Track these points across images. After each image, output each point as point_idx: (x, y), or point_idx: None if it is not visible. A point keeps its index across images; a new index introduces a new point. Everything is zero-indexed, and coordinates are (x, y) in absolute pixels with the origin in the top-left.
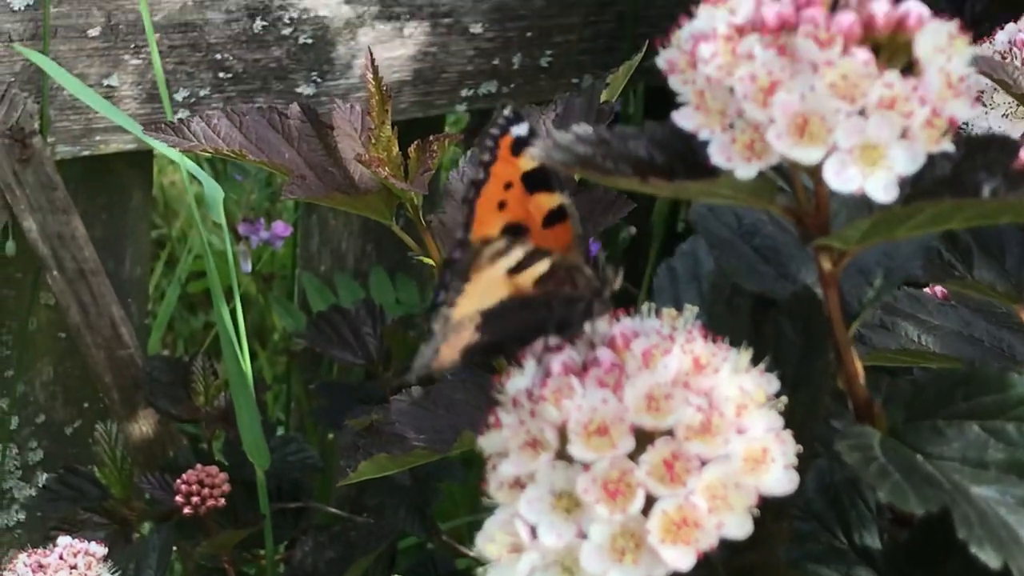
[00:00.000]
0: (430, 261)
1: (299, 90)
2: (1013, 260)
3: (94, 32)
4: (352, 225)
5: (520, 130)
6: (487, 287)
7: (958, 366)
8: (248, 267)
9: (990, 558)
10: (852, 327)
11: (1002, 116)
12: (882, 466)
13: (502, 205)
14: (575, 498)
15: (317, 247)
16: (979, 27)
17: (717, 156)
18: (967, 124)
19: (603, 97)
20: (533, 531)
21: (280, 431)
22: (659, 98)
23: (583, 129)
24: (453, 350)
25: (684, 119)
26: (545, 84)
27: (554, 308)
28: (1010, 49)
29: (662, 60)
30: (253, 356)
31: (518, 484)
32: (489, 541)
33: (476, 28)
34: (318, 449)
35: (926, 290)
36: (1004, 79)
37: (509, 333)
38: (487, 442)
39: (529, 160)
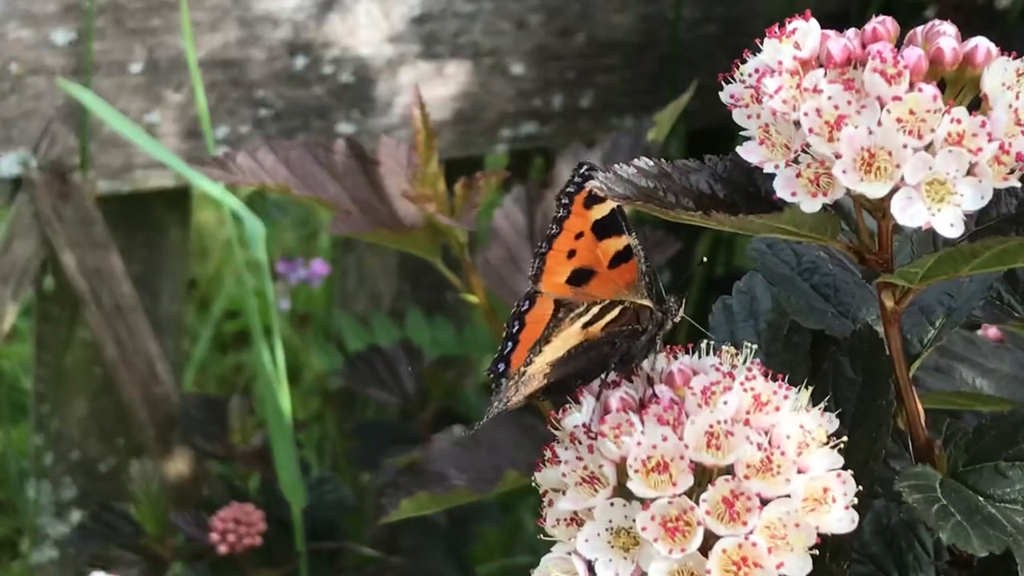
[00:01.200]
0: (474, 299)
1: (339, 128)
2: None
3: (136, 68)
4: (389, 265)
5: (595, 184)
6: (562, 342)
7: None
8: (287, 305)
9: None
10: (913, 367)
11: None
12: (943, 507)
13: (571, 254)
14: (633, 535)
15: (354, 287)
16: None
17: (782, 190)
18: None
19: (650, 136)
20: (590, 568)
21: (313, 471)
22: (700, 141)
23: (644, 162)
24: (522, 396)
25: (748, 153)
26: (585, 125)
27: (617, 344)
28: None
29: (725, 95)
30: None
31: (575, 520)
32: None
33: (517, 68)
34: (351, 489)
35: (979, 332)
36: None
37: (573, 373)
38: (543, 478)
39: (600, 210)
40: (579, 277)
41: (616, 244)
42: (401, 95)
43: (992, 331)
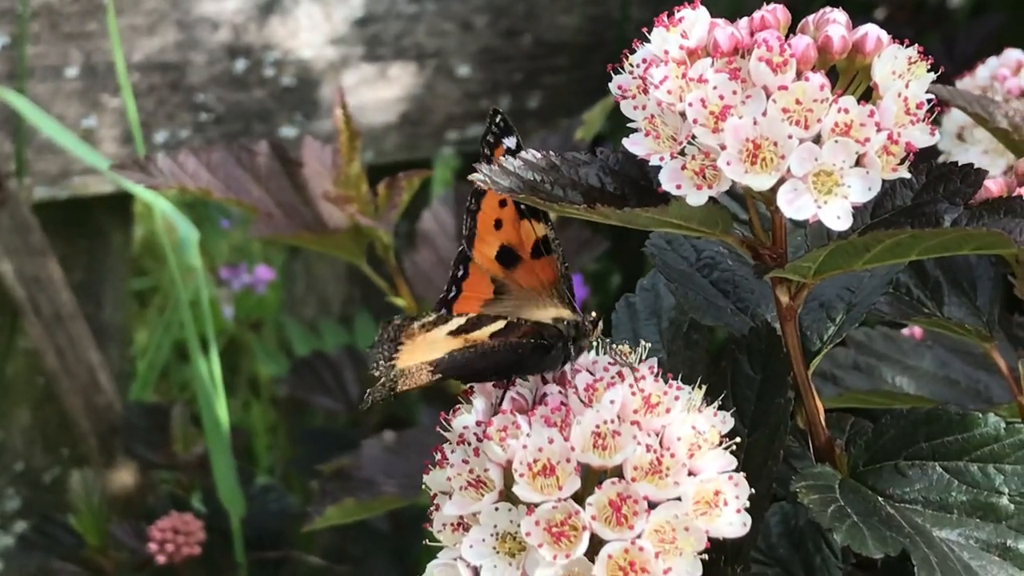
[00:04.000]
0: (401, 302)
1: (282, 132)
2: (984, 297)
3: (72, 72)
4: (338, 270)
5: (511, 142)
6: (428, 345)
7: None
8: (230, 312)
9: None
10: (813, 363)
11: (982, 152)
12: (840, 508)
13: (498, 224)
14: (519, 541)
15: (303, 292)
16: (972, 67)
17: (667, 183)
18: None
19: (578, 135)
20: (476, 574)
21: (259, 480)
22: None
23: (532, 155)
24: (413, 384)
25: (635, 145)
26: (534, 126)
27: (523, 354)
28: (991, 84)
29: (613, 86)
30: (246, 404)
31: (462, 525)
32: None
33: (463, 70)
34: (301, 497)
35: (904, 331)
36: (980, 113)
37: (485, 369)
38: (431, 480)
39: None
40: (507, 257)
41: (535, 230)
42: (345, 97)
43: (916, 329)
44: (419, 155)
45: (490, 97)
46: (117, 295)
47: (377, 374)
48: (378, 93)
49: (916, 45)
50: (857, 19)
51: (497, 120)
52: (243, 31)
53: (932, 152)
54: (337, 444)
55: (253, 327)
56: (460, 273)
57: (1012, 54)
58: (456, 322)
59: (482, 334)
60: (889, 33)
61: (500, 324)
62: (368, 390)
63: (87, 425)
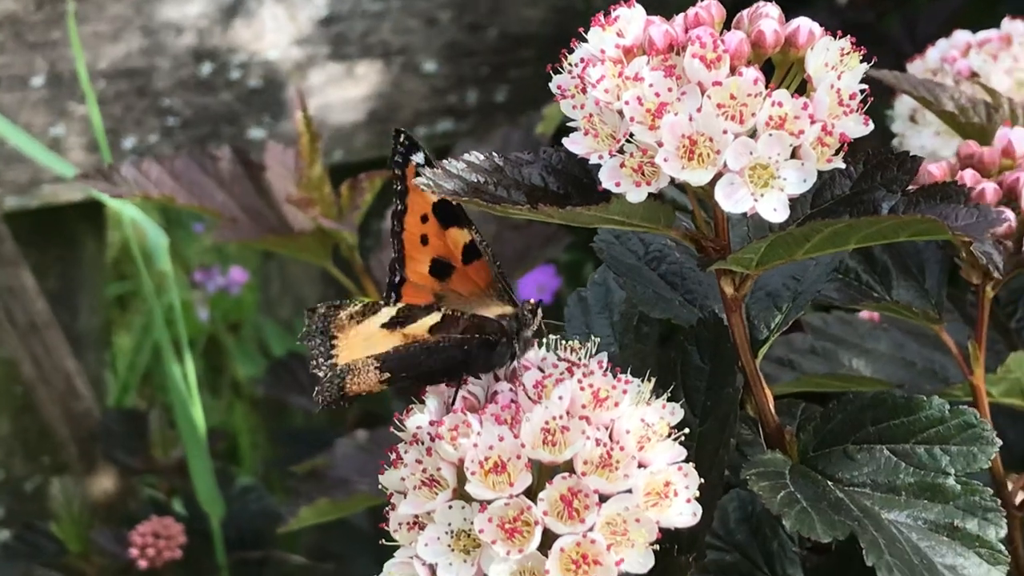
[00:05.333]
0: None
1: (250, 134)
2: (933, 279)
3: (38, 81)
4: (312, 270)
5: (419, 158)
6: (365, 340)
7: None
8: (205, 315)
9: None
10: (761, 352)
11: (934, 134)
12: (789, 494)
13: (424, 239)
14: (474, 538)
15: (278, 293)
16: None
17: (607, 180)
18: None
19: (539, 129)
20: (433, 572)
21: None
22: None
23: (475, 156)
24: (363, 385)
25: (574, 144)
26: (502, 120)
27: (469, 350)
28: (941, 66)
29: (553, 86)
30: (231, 406)
31: (417, 524)
32: None
33: (429, 66)
34: (283, 497)
35: (863, 314)
36: (926, 97)
37: (434, 369)
38: (387, 480)
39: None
40: (440, 270)
41: (461, 236)
42: (312, 97)
43: (875, 313)
44: (389, 153)
45: (457, 92)
46: (92, 302)
47: (320, 373)
48: (346, 92)
49: (849, 36)
50: (818, 4)
51: (401, 140)
52: (207, 35)
53: (888, 135)
54: (315, 443)
55: (232, 328)
56: (392, 300)
57: (961, 36)
58: (387, 312)
59: (419, 327)
60: (851, 17)
61: (436, 317)
62: (316, 389)
63: (66, 432)
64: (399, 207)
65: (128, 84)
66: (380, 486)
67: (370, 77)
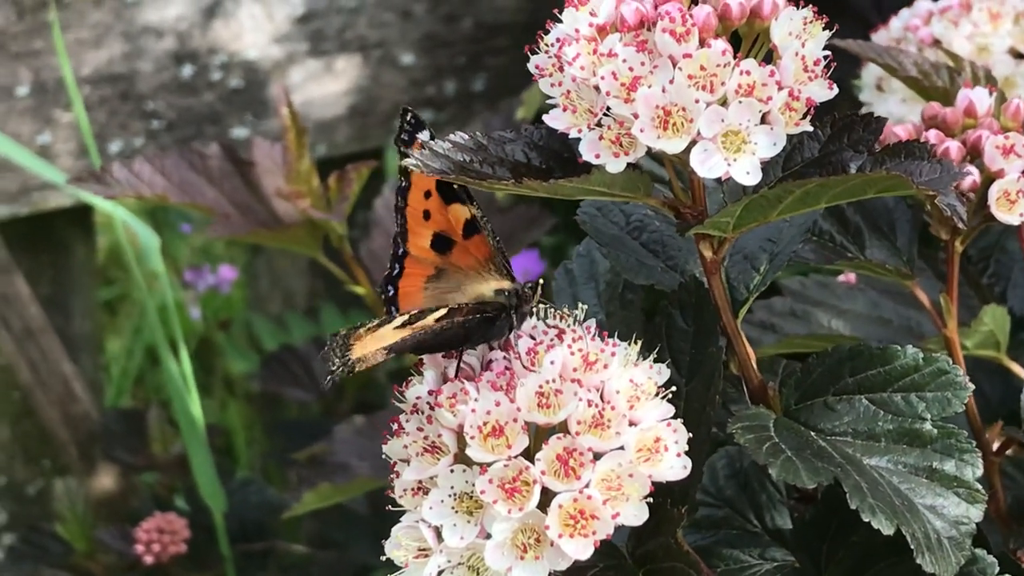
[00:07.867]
0: (360, 290)
1: (234, 133)
2: (904, 238)
3: (23, 91)
4: (300, 264)
5: (424, 136)
6: (378, 337)
7: None
8: (197, 314)
9: (883, 525)
10: (741, 312)
11: (900, 101)
12: (774, 445)
13: (427, 215)
14: (476, 499)
15: (267, 289)
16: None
17: (587, 153)
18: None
19: (519, 114)
20: (438, 534)
21: (240, 474)
22: None
23: (460, 136)
24: (368, 362)
25: (554, 120)
26: (481, 108)
27: (470, 328)
28: (904, 35)
29: (531, 66)
30: (224, 404)
31: (421, 489)
32: (396, 547)
33: (406, 58)
34: (281, 488)
35: (840, 277)
36: (890, 64)
37: (434, 345)
38: (390, 449)
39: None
40: (441, 244)
41: (463, 212)
42: (293, 94)
43: (851, 275)
44: (371, 145)
45: (435, 83)
46: (85, 305)
47: (334, 368)
48: (325, 87)
49: (811, 6)
50: None
51: (408, 118)
52: (187, 37)
53: (856, 105)
54: (311, 433)
55: (222, 326)
56: (396, 271)
57: (923, 4)
58: (400, 319)
59: (427, 322)
60: None
61: (442, 312)
62: (328, 373)
63: (66, 435)
64: (404, 183)
65: (112, 89)
66: (383, 455)
67: (349, 72)
